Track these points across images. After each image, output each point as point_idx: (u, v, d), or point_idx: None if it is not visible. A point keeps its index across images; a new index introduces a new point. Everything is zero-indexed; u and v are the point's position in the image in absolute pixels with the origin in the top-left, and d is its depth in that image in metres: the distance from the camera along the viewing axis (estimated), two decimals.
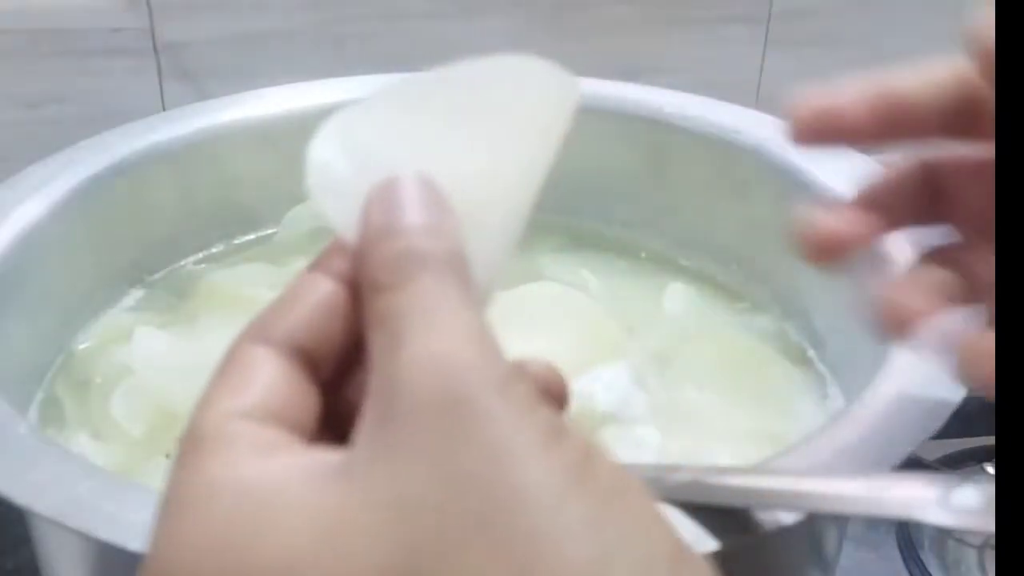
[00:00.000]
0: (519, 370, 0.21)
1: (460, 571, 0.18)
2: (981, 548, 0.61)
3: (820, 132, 0.29)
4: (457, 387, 0.19)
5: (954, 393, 0.37)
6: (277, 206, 0.63)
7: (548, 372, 0.26)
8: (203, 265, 0.61)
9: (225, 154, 0.61)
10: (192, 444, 0.21)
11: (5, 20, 0.68)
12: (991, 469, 0.67)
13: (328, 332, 0.23)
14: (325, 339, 0.23)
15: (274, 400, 0.22)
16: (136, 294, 0.58)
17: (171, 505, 0.21)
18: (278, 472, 0.20)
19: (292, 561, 0.19)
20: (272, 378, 0.22)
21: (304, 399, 0.23)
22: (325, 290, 0.23)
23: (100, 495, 0.34)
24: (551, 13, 0.76)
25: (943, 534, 0.62)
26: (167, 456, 0.47)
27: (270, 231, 0.64)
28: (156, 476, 0.45)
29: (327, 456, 0.21)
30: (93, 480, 0.35)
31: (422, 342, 0.20)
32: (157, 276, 0.60)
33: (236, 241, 0.63)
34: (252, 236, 0.63)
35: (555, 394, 0.26)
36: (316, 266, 0.24)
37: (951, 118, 0.28)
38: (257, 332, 0.23)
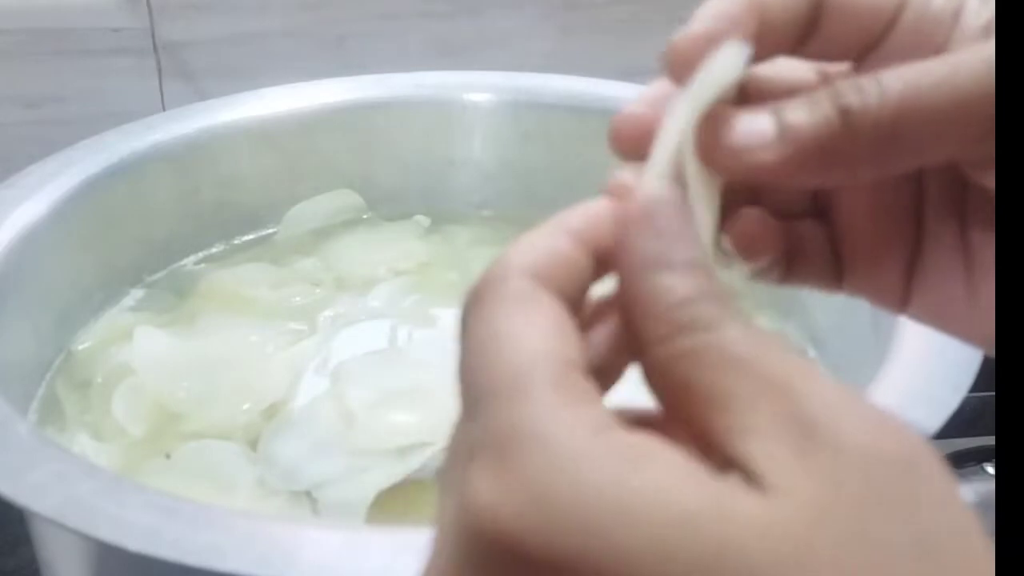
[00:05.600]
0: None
1: None
2: None
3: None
4: (910, 444, 0.19)
5: (954, 393, 0.37)
6: (277, 206, 0.63)
7: None
8: (203, 265, 0.61)
9: (225, 154, 0.61)
10: (537, 379, 0.20)
11: (5, 20, 0.68)
12: (991, 469, 0.67)
13: (577, 290, 0.23)
14: (576, 294, 0.22)
15: (580, 350, 0.21)
16: (136, 294, 0.58)
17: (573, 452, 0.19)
18: (672, 463, 0.19)
19: None
20: (570, 322, 0.21)
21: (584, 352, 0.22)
22: (571, 246, 0.23)
23: (100, 495, 0.34)
24: (551, 13, 0.76)
25: None
26: (167, 456, 0.47)
27: (270, 231, 0.64)
28: (156, 476, 0.45)
29: (706, 471, 0.19)
30: (93, 480, 0.35)
31: (814, 383, 0.19)
32: (157, 276, 0.60)
33: (236, 241, 0.63)
34: (252, 236, 0.63)
35: None
36: (560, 225, 0.23)
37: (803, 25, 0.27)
38: (526, 266, 0.22)
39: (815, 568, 0.18)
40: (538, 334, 0.21)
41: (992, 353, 0.29)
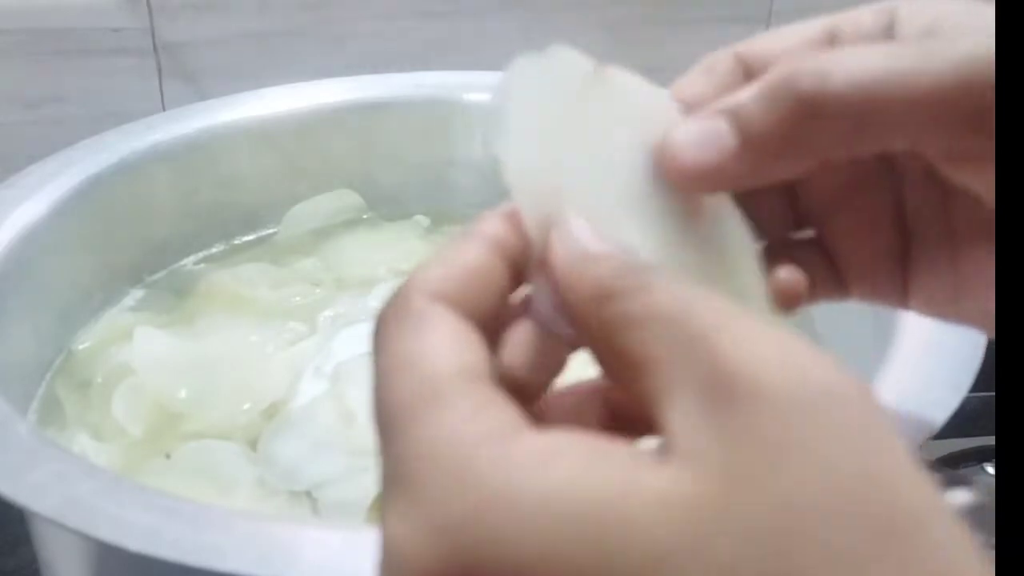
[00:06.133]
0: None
1: None
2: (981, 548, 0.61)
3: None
4: (826, 380, 0.18)
5: (954, 393, 0.37)
6: (277, 206, 0.63)
7: None
8: (203, 265, 0.61)
9: (225, 154, 0.61)
10: (436, 402, 0.19)
11: (5, 20, 0.68)
12: (991, 469, 0.67)
13: (490, 298, 0.22)
14: (488, 304, 0.22)
15: (484, 362, 0.21)
16: (136, 294, 0.58)
17: (459, 467, 0.18)
18: (581, 450, 0.18)
19: (659, 560, 0.17)
20: (471, 337, 0.21)
21: (490, 365, 0.21)
22: (481, 254, 0.23)
23: (100, 495, 0.34)
24: (551, 13, 0.76)
25: None
26: (167, 456, 0.47)
27: (270, 231, 0.64)
28: (156, 476, 0.45)
29: (621, 445, 0.19)
30: (93, 480, 0.35)
31: (733, 331, 0.18)
32: (157, 276, 0.60)
33: (236, 241, 0.63)
34: (252, 236, 0.63)
35: None
36: (471, 233, 0.23)
37: None
38: (429, 288, 0.22)
39: (712, 554, 0.16)
40: (433, 353, 0.20)
41: (988, 332, 0.29)
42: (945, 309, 0.29)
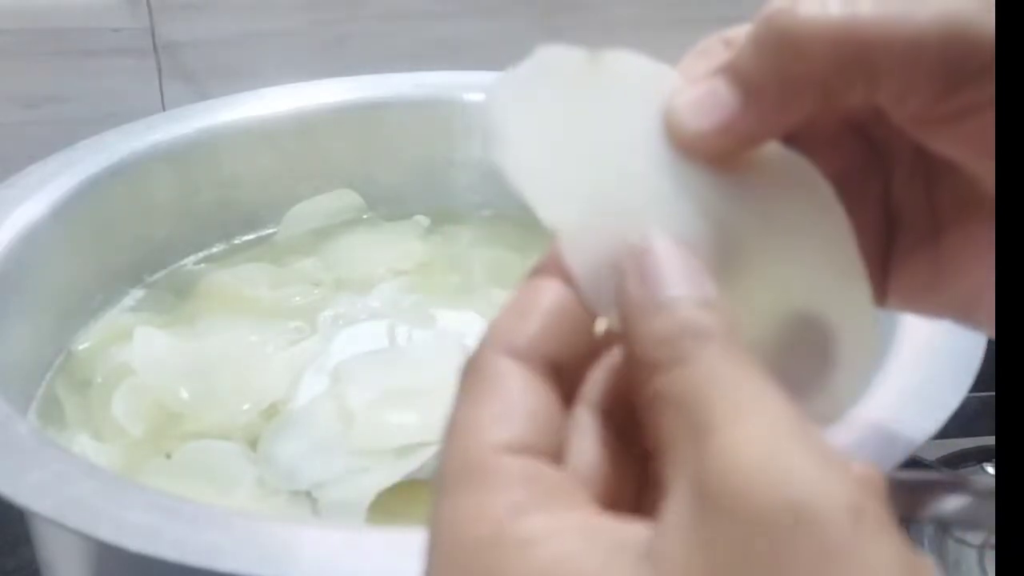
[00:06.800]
0: (863, 482, 0.19)
1: None
2: (981, 548, 0.61)
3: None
4: (798, 498, 0.17)
5: (954, 393, 0.37)
6: (277, 206, 0.63)
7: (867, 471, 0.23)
8: (203, 265, 0.61)
9: (225, 154, 0.61)
10: (464, 476, 0.20)
11: (5, 20, 0.68)
12: (991, 469, 0.67)
13: (572, 339, 0.22)
14: (569, 347, 0.22)
15: (537, 426, 0.21)
16: (136, 294, 0.58)
17: (453, 544, 0.20)
18: (573, 534, 0.19)
19: None
20: (531, 399, 0.21)
21: (558, 419, 0.22)
22: (558, 293, 0.22)
23: (100, 495, 0.34)
24: (551, 13, 0.76)
25: (943, 534, 0.62)
26: (168, 456, 0.47)
27: (270, 231, 0.64)
28: (156, 476, 0.45)
29: (626, 529, 0.19)
30: (93, 480, 0.35)
31: (739, 433, 0.18)
32: (157, 276, 0.60)
33: (236, 241, 0.63)
34: (252, 236, 0.63)
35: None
36: (543, 269, 0.23)
37: None
38: (502, 343, 0.22)
39: None
40: (476, 428, 0.21)
41: (958, 320, 0.29)
42: (922, 299, 0.29)
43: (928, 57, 0.23)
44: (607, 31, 0.77)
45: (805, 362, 0.24)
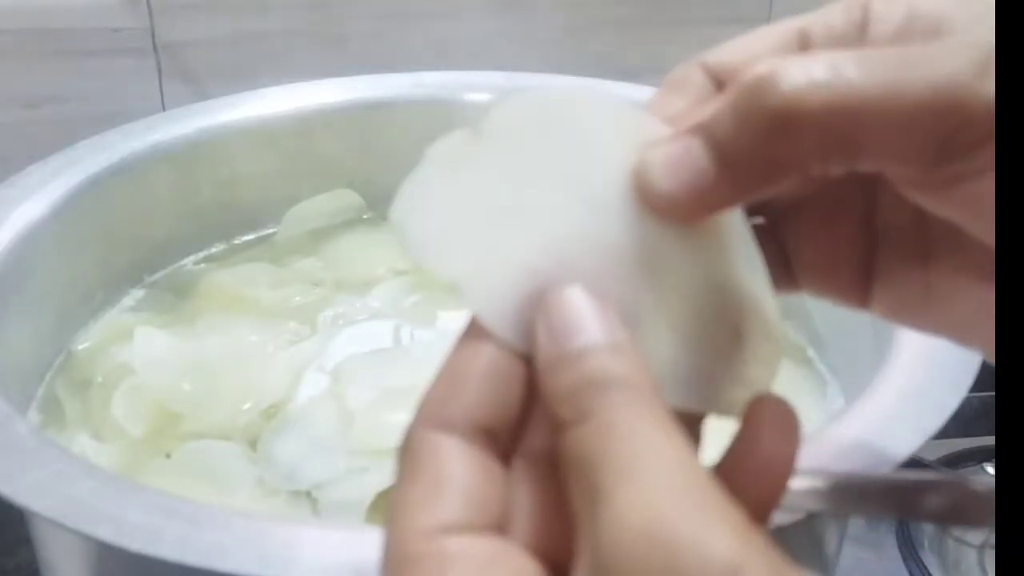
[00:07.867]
0: (745, 538, 0.18)
1: None
2: (981, 548, 0.61)
3: None
4: (680, 564, 0.18)
5: (954, 393, 0.37)
6: (277, 206, 0.63)
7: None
8: (203, 265, 0.61)
9: (225, 154, 0.61)
10: (400, 565, 0.20)
11: (5, 20, 0.68)
12: (991, 469, 0.67)
13: (508, 399, 0.22)
14: (503, 410, 0.22)
15: (475, 501, 0.21)
16: (136, 294, 0.58)
17: None
18: None
19: None
20: (466, 474, 0.21)
21: (497, 484, 0.21)
22: (489, 356, 0.22)
23: (100, 495, 0.34)
24: (551, 13, 0.76)
25: (943, 534, 0.62)
26: (168, 456, 0.47)
27: (270, 231, 0.64)
28: (156, 476, 0.45)
29: None
30: (93, 480, 0.35)
31: (625, 498, 0.19)
32: (157, 276, 0.60)
33: (236, 241, 0.63)
34: (252, 236, 0.63)
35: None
36: (471, 333, 0.23)
37: None
38: (433, 417, 0.22)
39: None
40: (405, 514, 0.21)
41: (954, 341, 0.29)
42: (910, 317, 0.28)
43: (921, 132, 0.22)
44: (607, 31, 0.77)
45: (716, 358, 0.24)
